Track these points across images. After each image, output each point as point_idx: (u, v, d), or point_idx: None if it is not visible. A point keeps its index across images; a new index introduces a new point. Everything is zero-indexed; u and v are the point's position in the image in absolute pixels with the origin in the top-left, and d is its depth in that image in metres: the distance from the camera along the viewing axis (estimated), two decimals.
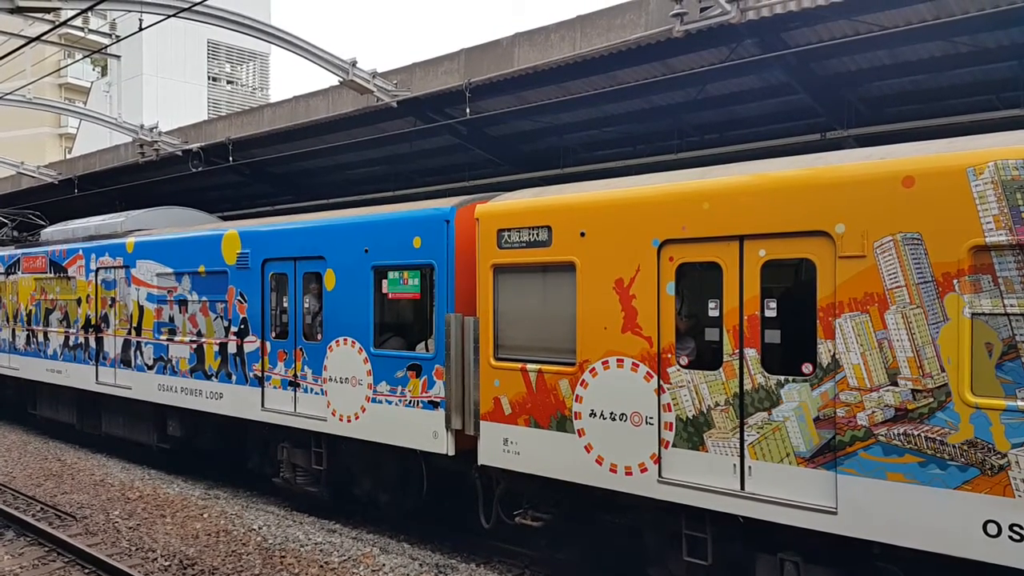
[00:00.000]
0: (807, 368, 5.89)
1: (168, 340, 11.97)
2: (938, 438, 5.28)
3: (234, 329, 10.82)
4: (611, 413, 6.92)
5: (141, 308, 12.52)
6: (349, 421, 9.27)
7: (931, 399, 5.32)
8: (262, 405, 10.39)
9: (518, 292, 7.74)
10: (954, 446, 5.21)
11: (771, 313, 6.08)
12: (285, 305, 10.23)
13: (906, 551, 5.46)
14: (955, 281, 5.24)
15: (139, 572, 8.12)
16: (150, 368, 12.31)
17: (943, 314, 5.29)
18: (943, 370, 5.28)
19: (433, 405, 8.39)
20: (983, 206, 5.14)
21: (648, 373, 6.68)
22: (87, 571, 8.47)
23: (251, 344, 10.57)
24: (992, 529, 5.04)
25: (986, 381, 5.15)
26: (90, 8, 10.51)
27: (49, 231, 16.50)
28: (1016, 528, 4.96)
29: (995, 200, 5.10)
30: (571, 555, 8.29)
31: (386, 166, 14.73)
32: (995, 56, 8.35)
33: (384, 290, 8.97)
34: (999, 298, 5.10)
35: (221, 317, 11.06)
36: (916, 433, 5.36)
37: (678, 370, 6.54)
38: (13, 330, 16.34)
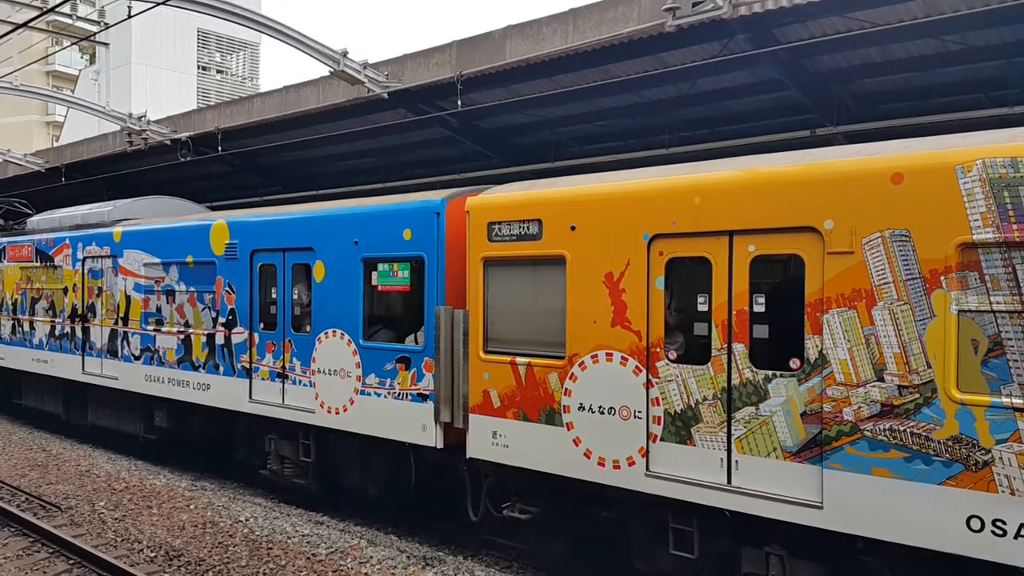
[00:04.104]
0: (795, 363, 5.92)
1: (155, 330, 11.90)
2: (923, 434, 5.32)
3: (222, 320, 10.77)
4: (600, 407, 6.93)
5: (128, 298, 12.44)
6: (338, 413, 9.25)
7: (917, 395, 5.36)
8: (250, 396, 10.36)
9: (508, 285, 7.74)
10: (939, 442, 5.25)
11: (759, 308, 6.10)
12: (274, 296, 10.19)
13: (891, 546, 5.50)
14: (942, 278, 5.28)
15: (124, 563, 8.08)
16: (137, 358, 12.25)
17: (930, 311, 5.32)
18: (929, 366, 5.32)
19: (422, 398, 8.38)
20: (971, 203, 5.18)
21: (637, 367, 6.70)
22: (72, 562, 8.42)
23: (239, 335, 10.52)
24: (976, 524, 5.09)
25: (971, 377, 5.19)
26: None
27: (36, 220, 16.36)
28: (999, 523, 5.00)
29: (983, 198, 5.13)
30: (559, 548, 8.31)
31: (376, 158, 14.68)
32: (984, 55, 8.39)
33: (374, 282, 8.95)
34: (986, 295, 5.14)
35: (209, 308, 11.01)
36: (902, 428, 5.40)
37: (667, 364, 6.56)
38: None
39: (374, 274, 8.94)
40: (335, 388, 9.26)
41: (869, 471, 5.51)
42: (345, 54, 11.05)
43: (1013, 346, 5.04)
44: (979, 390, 5.16)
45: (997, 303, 5.10)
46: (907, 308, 5.41)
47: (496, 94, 10.88)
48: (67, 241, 14.05)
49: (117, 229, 12.84)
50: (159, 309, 11.87)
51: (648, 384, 6.64)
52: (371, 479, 9.61)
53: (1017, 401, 5.00)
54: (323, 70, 11.40)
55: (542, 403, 7.33)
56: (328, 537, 9.02)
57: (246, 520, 9.67)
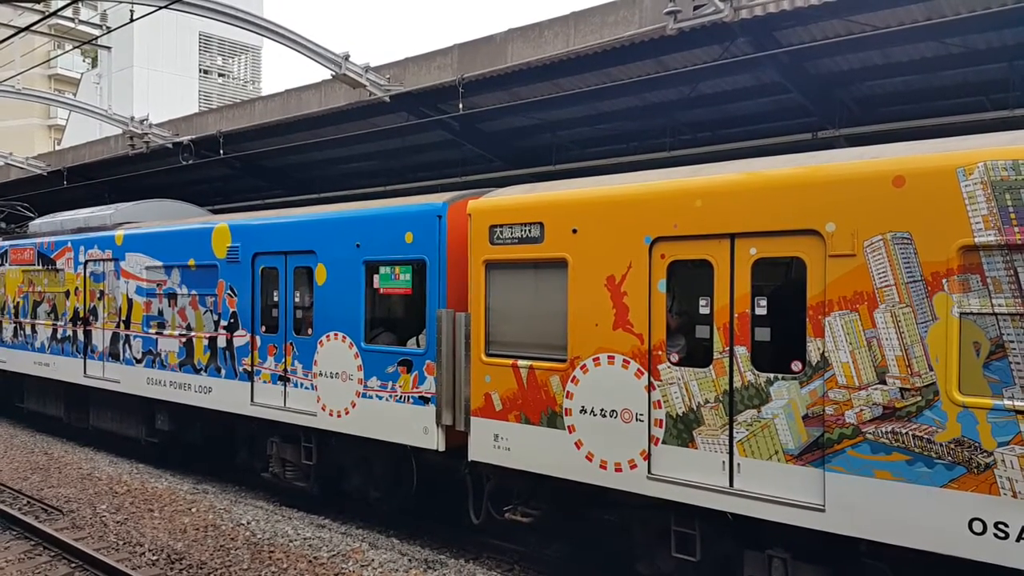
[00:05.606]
0: (796, 366, 5.92)
1: (157, 334, 11.91)
2: (925, 436, 5.31)
3: (224, 323, 10.78)
4: (602, 410, 6.93)
5: (130, 301, 12.45)
6: (339, 416, 9.25)
7: (919, 398, 5.35)
8: (251, 399, 10.36)
9: (510, 288, 7.74)
10: (941, 444, 5.25)
11: (761, 311, 6.10)
12: (275, 299, 10.20)
13: (893, 548, 5.50)
14: (944, 281, 5.28)
15: (126, 566, 8.08)
16: (139, 362, 12.25)
17: (932, 313, 5.32)
18: (931, 369, 5.31)
19: (424, 401, 8.38)
20: (972, 206, 5.18)
21: (639, 370, 6.70)
22: (73, 565, 8.42)
23: (241, 338, 10.53)
24: (977, 527, 5.08)
25: (973, 380, 5.19)
26: None
27: (37, 223, 16.37)
28: (1001, 526, 5.00)
29: (984, 200, 5.14)
30: (560, 551, 8.31)
31: (378, 161, 14.69)
32: (985, 57, 8.40)
33: (375, 285, 8.96)
34: (987, 298, 5.14)
35: (211, 311, 11.02)
36: (904, 431, 5.40)
37: (668, 367, 6.56)
38: (0, 322, 16.23)
39: (376, 277, 8.94)
40: (337, 391, 9.27)
41: (871, 474, 5.50)
42: (347, 57, 11.07)
43: (1015, 348, 5.04)
44: (981, 393, 5.15)
45: (999, 305, 5.10)
46: (909, 311, 5.41)
47: (498, 97, 10.89)
48: (69, 244, 14.06)
49: (119, 232, 12.86)
50: (161, 312, 11.88)
51: (650, 387, 6.64)
52: (373, 482, 9.61)
53: (1019, 404, 5.00)
54: (325, 74, 11.44)
55: (544, 406, 7.32)
56: (330, 540, 9.02)
57: (248, 523, 9.67)
